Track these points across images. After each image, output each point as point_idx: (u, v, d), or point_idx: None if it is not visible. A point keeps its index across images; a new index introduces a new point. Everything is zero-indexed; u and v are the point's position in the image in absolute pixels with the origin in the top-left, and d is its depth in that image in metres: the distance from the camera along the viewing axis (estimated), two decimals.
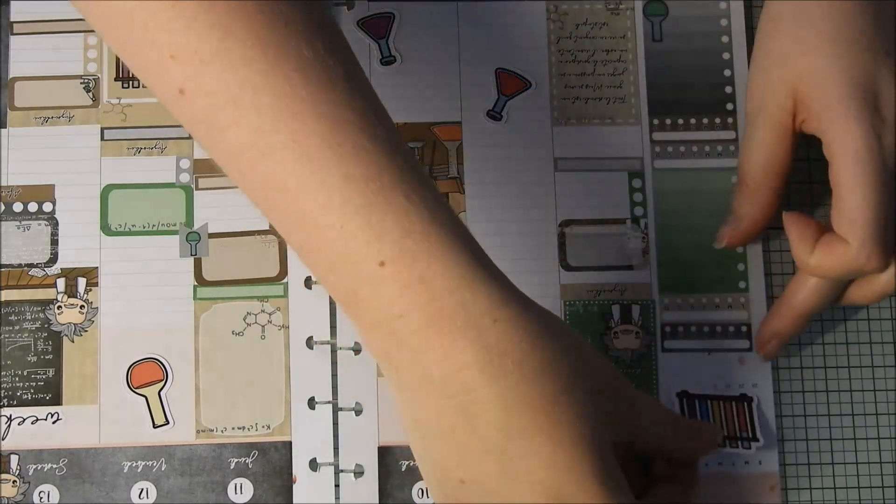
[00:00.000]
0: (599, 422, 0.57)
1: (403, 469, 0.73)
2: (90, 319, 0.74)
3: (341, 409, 0.73)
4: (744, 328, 0.76)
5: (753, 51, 0.73)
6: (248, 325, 0.75)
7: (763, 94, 0.72)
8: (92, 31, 0.78)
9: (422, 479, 0.73)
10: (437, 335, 0.55)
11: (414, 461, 0.72)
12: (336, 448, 0.73)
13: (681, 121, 0.78)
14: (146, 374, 0.74)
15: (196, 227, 0.76)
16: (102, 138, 0.77)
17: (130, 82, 0.77)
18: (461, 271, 0.55)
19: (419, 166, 0.57)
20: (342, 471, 0.73)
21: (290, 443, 0.73)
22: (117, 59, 0.78)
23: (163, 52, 0.56)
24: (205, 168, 0.76)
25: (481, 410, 0.55)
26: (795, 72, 0.69)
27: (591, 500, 0.56)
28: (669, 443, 0.63)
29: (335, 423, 0.73)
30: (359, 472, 0.73)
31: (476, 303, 0.55)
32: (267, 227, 0.75)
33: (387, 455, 0.73)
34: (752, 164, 0.73)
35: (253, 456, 0.73)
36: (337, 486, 0.73)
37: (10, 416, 0.73)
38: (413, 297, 0.55)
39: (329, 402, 0.73)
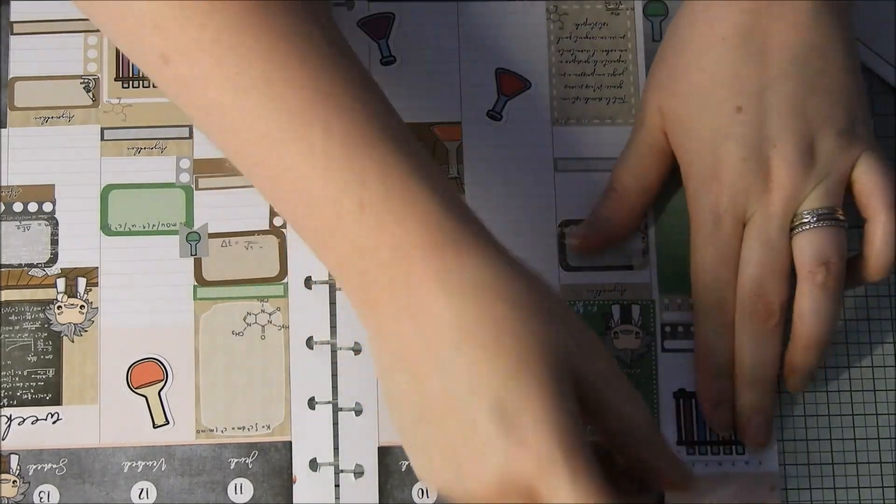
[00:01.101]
0: (552, 347, 0.57)
1: (403, 469, 0.73)
2: (90, 319, 0.74)
3: (341, 409, 0.73)
4: None
5: (651, 66, 0.76)
6: (248, 325, 0.75)
7: (647, 112, 0.74)
8: (92, 31, 0.78)
9: None
10: (409, 264, 0.58)
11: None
12: (336, 448, 0.73)
13: None
14: (146, 374, 0.74)
15: (196, 227, 0.76)
16: (102, 138, 0.77)
17: (130, 82, 0.77)
18: (432, 207, 0.58)
19: (405, 128, 0.61)
20: (342, 471, 0.73)
21: (290, 443, 0.73)
22: (117, 60, 0.78)
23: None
24: (205, 168, 0.76)
25: (439, 331, 0.57)
26: (668, 108, 0.72)
27: (535, 412, 0.55)
28: (614, 400, 0.61)
29: (335, 423, 0.73)
30: (359, 473, 0.73)
31: (445, 236, 0.58)
32: (267, 227, 0.75)
33: (387, 455, 0.73)
34: (625, 173, 0.75)
35: (253, 456, 0.73)
36: (337, 486, 0.73)
37: (10, 416, 0.73)
38: (387, 234, 0.58)
39: (329, 402, 0.73)
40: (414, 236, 0.58)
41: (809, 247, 0.69)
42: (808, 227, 0.69)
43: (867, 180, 0.70)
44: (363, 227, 0.58)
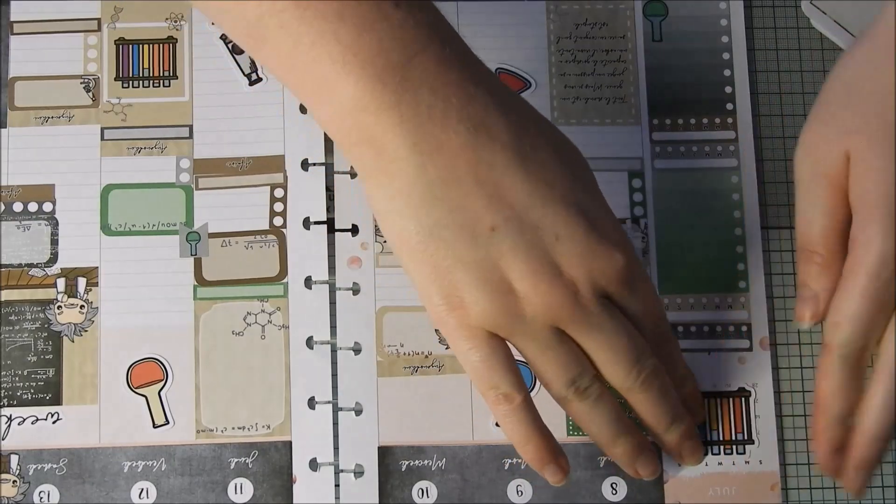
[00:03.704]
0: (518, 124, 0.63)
1: (403, 469, 0.73)
2: (90, 319, 0.74)
3: (341, 409, 0.73)
4: (744, 328, 0.76)
5: (814, 107, 0.70)
6: (248, 325, 0.75)
7: (819, 156, 0.69)
8: (92, 30, 0.78)
9: (422, 479, 0.73)
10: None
11: (413, 461, 0.72)
12: (336, 448, 0.73)
13: (681, 121, 0.78)
14: (146, 374, 0.74)
15: (196, 227, 0.76)
16: (102, 138, 0.77)
17: (130, 82, 0.78)
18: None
19: None
20: (342, 471, 0.73)
21: (290, 443, 0.73)
22: (117, 59, 0.78)
23: None
24: (205, 168, 0.76)
25: (504, 144, 0.62)
26: (849, 145, 0.67)
27: (607, 214, 0.65)
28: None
29: (335, 423, 0.73)
30: (359, 473, 0.73)
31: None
32: (267, 227, 0.75)
33: (387, 455, 0.73)
34: (822, 234, 0.69)
35: (253, 456, 0.73)
36: (337, 485, 0.73)
37: (10, 416, 0.73)
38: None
39: (329, 402, 0.73)
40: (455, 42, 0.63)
41: None
42: None
43: None
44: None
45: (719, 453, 0.74)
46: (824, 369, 0.68)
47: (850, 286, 0.66)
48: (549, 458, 0.66)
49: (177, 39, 0.78)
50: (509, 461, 0.73)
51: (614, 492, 0.73)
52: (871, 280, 0.66)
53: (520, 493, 0.73)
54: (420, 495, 0.73)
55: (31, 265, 0.75)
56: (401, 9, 0.60)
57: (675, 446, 0.71)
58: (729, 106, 0.79)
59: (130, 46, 0.78)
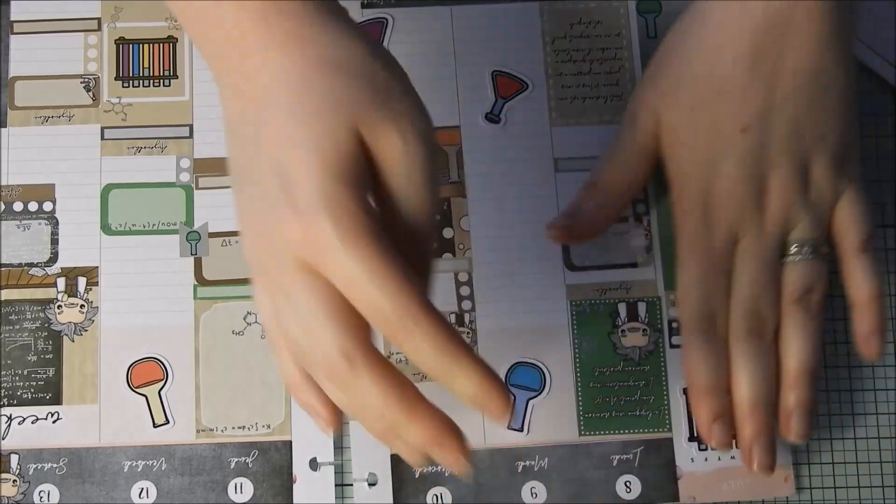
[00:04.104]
0: (340, 107, 0.55)
1: (417, 476, 0.73)
2: (90, 319, 0.74)
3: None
4: None
5: (646, 65, 0.75)
6: (248, 324, 0.74)
7: (637, 113, 0.74)
8: (92, 30, 0.78)
9: (436, 485, 0.73)
10: (241, 31, 0.57)
11: (426, 467, 0.72)
12: (340, 448, 0.73)
13: None
14: (146, 374, 0.74)
15: (196, 226, 0.75)
16: (102, 138, 0.77)
17: (130, 82, 0.77)
18: None
19: None
20: (356, 480, 0.72)
21: (290, 442, 0.73)
22: (117, 59, 0.78)
23: None
24: (205, 168, 0.76)
25: (252, 89, 0.57)
26: (668, 117, 0.72)
27: (308, 175, 0.53)
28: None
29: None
30: (372, 483, 0.72)
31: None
32: None
33: (400, 462, 0.72)
34: (610, 170, 0.74)
35: (253, 455, 0.73)
36: (338, 485, 0.72)
37: (10, 415, 0.73)
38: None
39: None
40: (248, 8, 0.56)
41: (799, 278, 0.69)
42: (797, 258, 0.69)
43: (846, 218, 0.70)
44: None
45: (733, 447, 0.73)
46: (683, 346, 0.71)
47: (681, 257, 0.71)
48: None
49: (177, 39, 0.78)
50: (522, 464, 0.73)
51: (628, 490, 0.73)
52: (696, 249, 0.70)
53: (534, 494, 0.73)
54: (435, 501, 0.73)
55: (31, 265, 0.75)
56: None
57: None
58: None
59: (130, 46, 0.78)
